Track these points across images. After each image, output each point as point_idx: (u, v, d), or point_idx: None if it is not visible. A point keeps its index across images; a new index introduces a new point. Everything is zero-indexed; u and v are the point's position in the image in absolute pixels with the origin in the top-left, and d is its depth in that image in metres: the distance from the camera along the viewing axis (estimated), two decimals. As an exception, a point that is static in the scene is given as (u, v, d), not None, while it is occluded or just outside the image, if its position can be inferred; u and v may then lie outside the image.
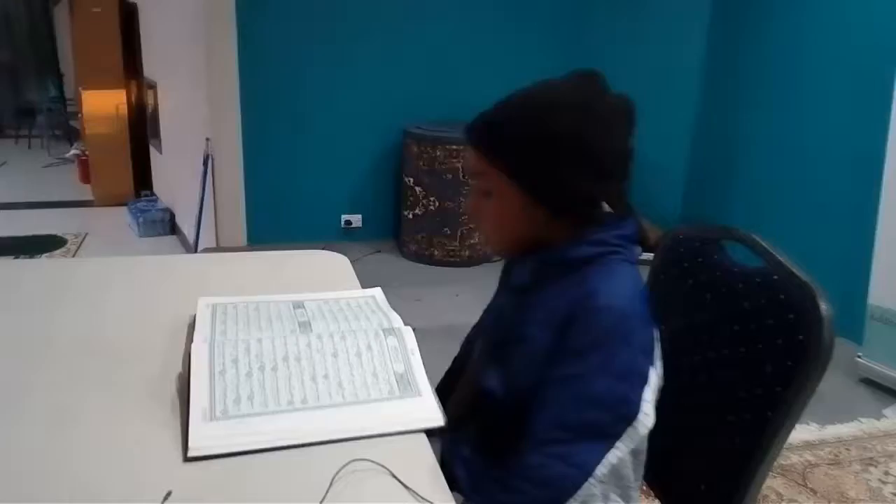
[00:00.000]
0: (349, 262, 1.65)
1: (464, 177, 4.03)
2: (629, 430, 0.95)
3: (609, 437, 0.95)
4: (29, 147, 7.94)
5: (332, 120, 4.35)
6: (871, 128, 2.99)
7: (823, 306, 1.02)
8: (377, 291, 1.38)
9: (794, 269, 1.07)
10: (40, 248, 4.56)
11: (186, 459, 0.91)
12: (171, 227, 4.93)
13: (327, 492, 0.84)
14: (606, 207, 1.12)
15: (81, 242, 4.76)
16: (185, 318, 1.27)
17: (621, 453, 0.96)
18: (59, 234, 4.85)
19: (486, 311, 1.29)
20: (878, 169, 2.82)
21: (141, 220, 4.90)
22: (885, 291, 2.83)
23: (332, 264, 1.66)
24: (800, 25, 3.56)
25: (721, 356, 1.16)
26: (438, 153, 4.00)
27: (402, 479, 0.88)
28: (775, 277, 1.09)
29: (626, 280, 1.02)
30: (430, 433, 1.15)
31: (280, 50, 4.18)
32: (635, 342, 0.97)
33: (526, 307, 1.09)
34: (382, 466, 0.90)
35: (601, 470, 0.95)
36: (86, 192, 5.83)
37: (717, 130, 4.13)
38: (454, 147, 3.96)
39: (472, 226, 4.14)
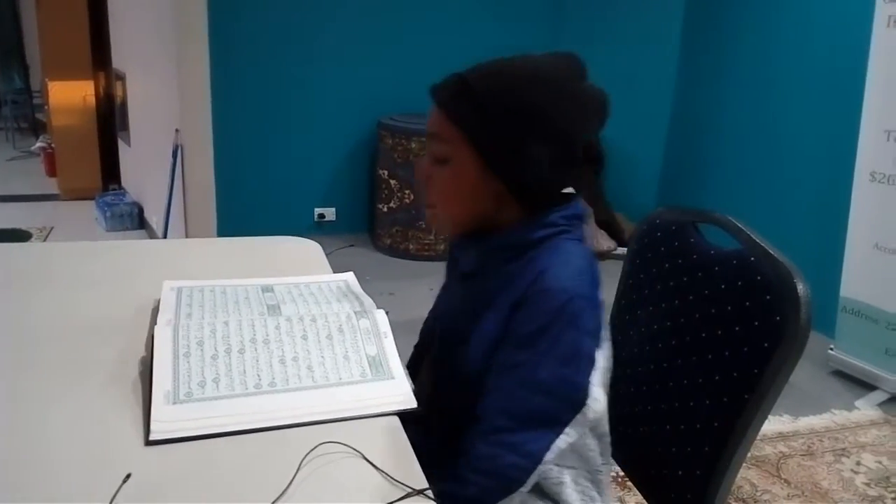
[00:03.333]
0: (321, 248, 1.61)
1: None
2: (578, 416, 0.93)
3: (557, 423, 0.93)
4: (-7, 140, 7.76)
5: (305, 111, 4.30)
6: (844, 120, 3.02)
7: (801, 286, 1.01)
8: (349, 276, 1.35)
9: (771, 250, 1.06)
10: (4, 242, 4.45)
11: (148, 443, 0.87)
12: (140, 222, 4.83)
13: (295, 474, 0.81)
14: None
15: (47, 237, 4.66)
16: (151, 302, 1.23)
17: (571, 438, 0.94)
18: (24, 227, 4.74)
19: (439, 298, 1.26)
20: (850, 161, 2.84)
21: (108, 213, 4.80)
22: (856, 284, 2.86)
23: (304, 251, 1.62)
24: (774, 17, 3.59)
25: (698, 339, 1.15)
26: (413, 145, 3.96)
27: (374, 462, 0.85)
28: (752, 259, 1.08)
29: (573, 260, 0.99)
30: (404, 419, 1.12)
31: (253, 40, 4.12)
32: (582, 325, 0.94)
33: (473, 298, 1.06)
34: (354, 449, 0.87)
35: (549, 456, 0.93)
36: (52, 186, 5.71)
37: (692, 124, 4.15)
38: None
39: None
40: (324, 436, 0.88)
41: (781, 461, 2.37)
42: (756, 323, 1.06)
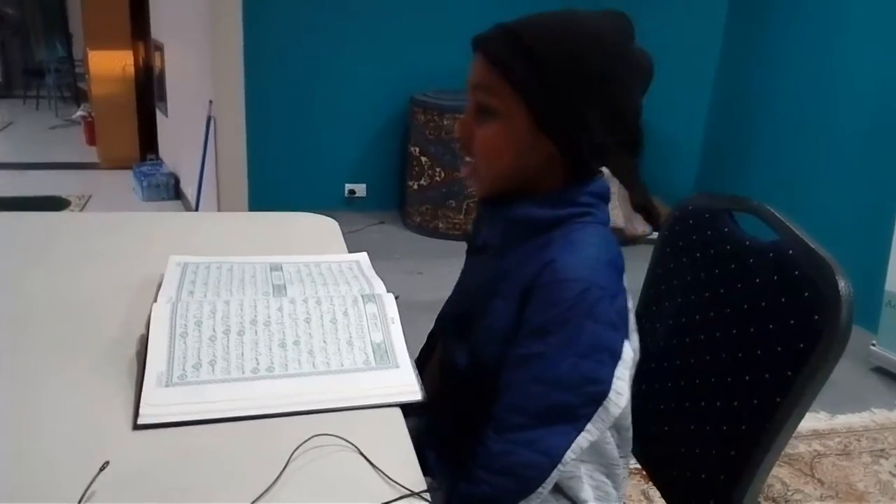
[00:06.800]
0: (338, 226, 1.57)
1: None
2: (599, 411, 0.87)
3: (578, 419, 0.87)
4: (37, 108, 7.88)
5: (337, 86, 4.25)
6: (895, 109, 2.88)
7: (842, 284, 0.93)
8: (362, 256, 1.29)
9: (811, 244, 0.98)
10: (43, 210, 4.51)
11: (136, 427, 0.83)
12: (176, 192, 4.86)
13: (284, 468, 0.76)
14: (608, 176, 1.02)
15: (85, 205, 4.71)
16: (158, 277, 1.19)
17: (592, 436, 0.87)
18: (63, 195, 4.80)
19: (456, 284, 1.20)
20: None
21: (145, 183, 4.83)
22: (903, 278, 2.73)
23: (322, 228, 1.58)
24: (834, 2, 3.41)
25: (728, 336, 1.08)
26: (446, 122, 3.89)
27: (369, 457, 0.80)
28: (790, 252, 1.00)
29: (590, 247, 0.92)
30: (407, 411, 1.08)
31: (287, 14, 4.07)
32: (600, 315, 0.87)
33: (491, 273, 1.00)
34: (349, 443, 0.82)
35: (570, 456, 0.87)
36: (92, 155, 5.78)
37: (735, 105, 3.99)
38: (462, 116, 3.85)
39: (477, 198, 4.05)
40: (319, 426, 0.83)
41: (816, 460, 2.28)
42: (792, 322, 0.98)
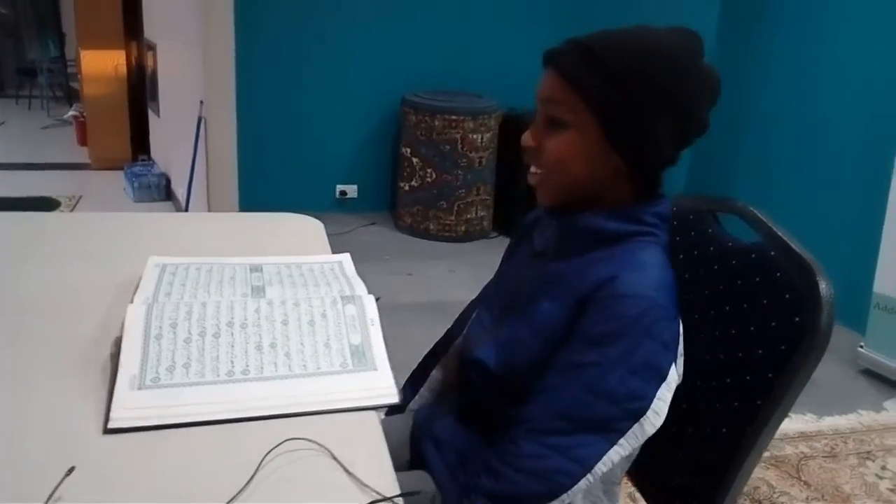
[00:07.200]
0: (323, 227, 1.55)
1: (462, 148, 3.92)
2: (635, 428, 0.87)
3: (613, 432, 0.87)
4: (29, 107, 7.83)
5: (328, 87, 4.24)
6: (885, 111, 2.89)
7: (823, 286, 0.92)
8: (345, 257, 1.28)
9: (793, 244, 0.98)
10: (33, 210, 4.48)
11: (106, 431, 0.82)
12: (167, 193, 4.83)
13: (255, 473, 0.75)
14: None
15: (75, 205, 4.68)
16: (139, 278, 1.18)
17: (624, 451, 0.88)
18: (54, 196, 4.77)
19: (490, 284, 1.21)
20: (890, 153, 2.72)
21: (136, 184, 4.80)
22: (890, 280, 2.73)
23: (306, 229, 1.56)
24: (820, 7, 3.41)
25: (711, 337, 1.07)
26: (437, 123, 3.88)
27: (343, 461, 0.79)
28: (772, 254, 1.00)
29: (653, 267, 0.94)
30: (390, 412, 1.07)
31: (278, 14, 4.06)
32: (658, 336, 0.88)
33: (542, 276, 1.00)
34: (321, 446, 0.81)
35: (601, 468, 0.87)
36: (83, 155, 5.74)
37: (727, 105, 3.98)
38: (453, 117, 3.85)
39: (468, 200, 4.04)
40: (294, 430, 0.82)
41: (802, 462, 2.28)
42: (773, 323, 0.98)
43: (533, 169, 1.00)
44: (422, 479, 1.02)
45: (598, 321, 0.89)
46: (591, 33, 0.95)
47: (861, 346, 2.84)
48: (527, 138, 0.99)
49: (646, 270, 0.92)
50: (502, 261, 1.22)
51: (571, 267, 0.97)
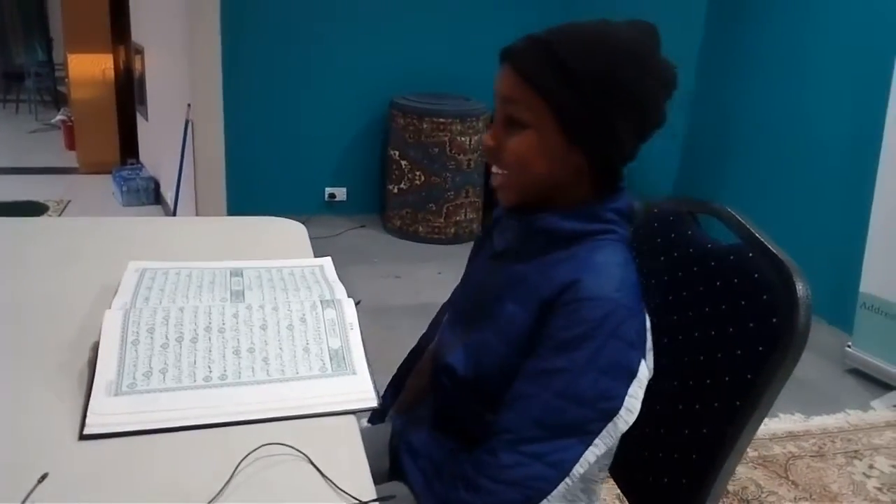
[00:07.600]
0: (306, 230, 1.55)
1: (451, 151, 3.92)
2: (609, 427, 0.88)
3: (588, 433, 0.87)
4: (16, 112, 7.79)
5: (316, 89, 4.23)
6: (870, 112, 2.89)
7: (800, 287, 0.93)
8: (326, 261, 1.28)
9: (771, 246, 0.98)
10: (21, 215, 4.46)
11: (82, 437, 0.81)
12: (156, 197, 4.81)
13: (230, 479, 0.75)
14: None
15: (63, 210, 4.65)
16: (117, 283, 1.18)
17: (599, 451, 0.88)
18: (42, 200, 4.74)
19: (457, 287, 1.20)
20: (875, 154, 2.73)
21: (124, 188, 4.78)
22: (877, 280, 2.74)
23: (289, 233, 1.56)
24: (803, 4, 3.44)
25: (690, 339, 1.08)
26: (425, 126, 3.88)
27: (320, 466, 0.79)
28: (750, 255, 1.00)
29: (614, 266, 0.93)
30: (372, 419, 1.06)
31: (266, 17, 4.05)
32: (624, 335, 0.88)
33: (504, 278, 0.99)
34: (298, 451, 0.80)
35: (578, 469, 0.87)
36: (71, 159, 5.71)
37: (714, 108, 4.01)
38: (441, 120, 3.85)
39: (457, 202, 4.04)
40: (271, 435, 0.82)
41: (790, 462, 2.28)
42: (751, 324, 0.98)
43: (495, 169, 0.98)
44: (399, 491, 1.01)
45: (564, 326, 0.88)
46: (549, 28, 0.93)
47: (848, 346, 2.85)
48: (487, 138, 0.98)
49: (607, 271, 0.91)
50: (468, 261, 1.21)
51: (532, 268, 0.96)
